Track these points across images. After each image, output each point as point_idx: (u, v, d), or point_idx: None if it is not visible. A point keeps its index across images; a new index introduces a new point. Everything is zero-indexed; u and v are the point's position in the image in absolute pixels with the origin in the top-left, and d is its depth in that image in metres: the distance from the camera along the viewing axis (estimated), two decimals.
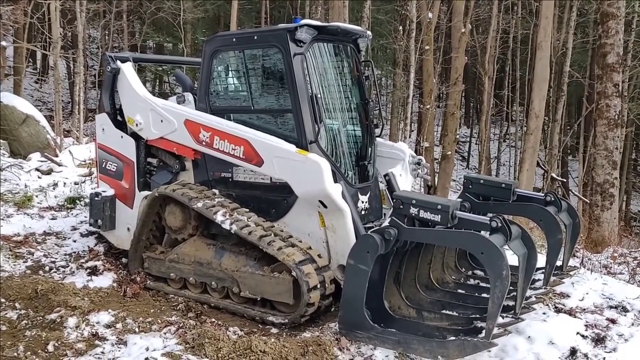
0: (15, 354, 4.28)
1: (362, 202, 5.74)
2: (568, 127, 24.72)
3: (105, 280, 5.79)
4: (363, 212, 5.70)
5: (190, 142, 5.79)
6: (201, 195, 5.65)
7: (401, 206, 4.64)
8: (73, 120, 14.68)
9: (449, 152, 17.33)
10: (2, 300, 5.23)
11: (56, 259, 6.37)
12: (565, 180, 20.11)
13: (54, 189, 8.44)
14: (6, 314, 5.00)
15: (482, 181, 5.89)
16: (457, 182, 23.31)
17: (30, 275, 5.87)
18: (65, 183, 8.61)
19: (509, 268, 4.01)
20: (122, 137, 6.28)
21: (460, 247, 5.49)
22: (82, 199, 8.23)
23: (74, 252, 6.58)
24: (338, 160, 5.62)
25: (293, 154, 5.17)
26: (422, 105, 17.97)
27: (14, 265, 6.07)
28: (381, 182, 6.21)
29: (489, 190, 5.82)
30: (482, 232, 4.39)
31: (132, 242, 6.02)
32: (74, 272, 6.04)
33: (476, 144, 28.18)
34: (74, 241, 6.90)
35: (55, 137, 10.78)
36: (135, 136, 6.22)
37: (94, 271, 5.94)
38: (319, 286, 4.94)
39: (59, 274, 6.02)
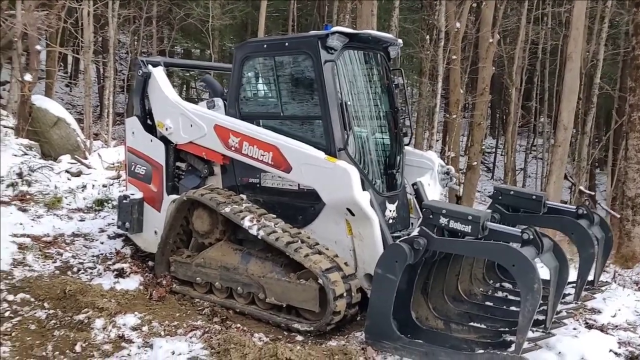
0: (44, 353, 4.32)
1: (390, 210, 5.69)
2: (596, 140, 24.34)
3: (131, 282, 5.82)
4: (391, 221, 5.65)
5: (220, 147, 5.81)
6: (229, 200, 5.66)
7: (431, 216, 4.59)
8: (102, 124, 14.89)
9: (475, 163, 17.19)
10: (32, 299, 5.30)
11: (84, 260, 6.44)
12: (593, 193, 19.77)
13: (82, 190, 8.55)
14: (35, 313, 5.05)
15: (512, 192, 5.80)
16: (481, 193, 23.05)
17: (59, 275, 5.93)
18: (93, 185, 8.72)
19: (540, 281, 3.93)
20: (151, 140, 6.34)
21: (490, 259, 5.41)
22: (110, 201, 8.32)
23: (102, 254, 6.64)
24: (366, 168, 5.60)
25: (322, 160, 5.16)
26: (448, 115, 17.88)
27: (44, 265, 6.15)
28: (409, 192, 6.16)
29: (519, 201, 5.73)
30: (513, 244, 4.31)
31: (159, 245, 6.06)
32: (101, 273, 6.09)
33: (502, 155, 27.87)
34: (102, 243, 6.97)
35: (85, 139, 10.93)
36: (165, 140, 6.27)
37: (120, 273, 5.98)
38: (345, 294, 4.90)
39: (86, 275, 6.07)
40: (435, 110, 15.85)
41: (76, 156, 9.72)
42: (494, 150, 29.96)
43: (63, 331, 4.66)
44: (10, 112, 13.19)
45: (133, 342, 4.62)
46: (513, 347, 4.06)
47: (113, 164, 10.04)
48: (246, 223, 5.33)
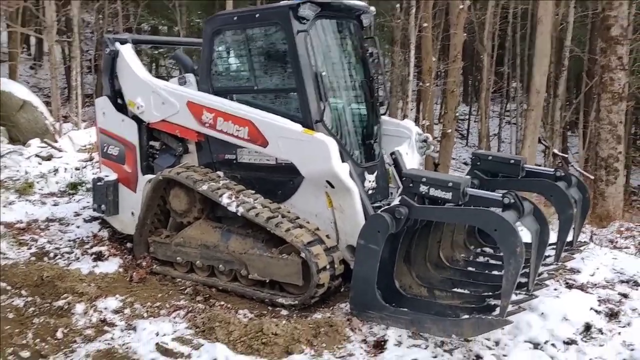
0: (25, 341, 4.23)
1: (369, 181, 5.66)
2: (567, 103, 24.56)
3: (111, 265, 5.73)
4: (370, 192, 5.63)
5: (193, 124, 5.69)
6: (206, 177, 5.57)
7: (411, 184, 4.57)
8: (71, 106, 14.53)
9: (449, 130, 17.21)
10: (8, 287, 5.17)
11: (60, 245, 6.31)
12: (566, 156, 20.04)
13: (54, 174, 8.36)
14: (12, 301, 4.94)
15: (490, 157, 5.81)
16: (457, 160, 23.19)
17: (35, 262, 5.80)
18: (66, 169, 8.52)
19: (522, 245, 3.94)
20: (123, 120, 6.18)
21: (473, 225, 5.44)
22: (83, 184, 8.15)
23: (78, 238, 6.52)
24: (344, 139, 5.54)
25: (299, 133, 5.09)
26: (421, 84, 17.82)
27: (18, 252, 6.02)
28: (387, 162, 6.12)
29: (497, 166, 5.74)
30: (494, 209, 4.32)
31: (136, 226, 5.95)
32: (79, 258, 5.98)
33: (475, 121, 28.03)
34: (78, 227, 6.84)
35: (54, 122, 10.66)
36: (137, 119, 6.12)
37: (99, 257, 5.87)
38: (328, 267, 4.88)
39: (64, 260, 5.96)
40: (409, 79, 15.80)
41: (46, 140, 9.48)
42: (467, 117, 30.10)
43: (43, 318, 4.56)
44: None
45: (116, 326, 4.55)
46: (497, 311, 4.09)
47: (85, 146, 9.82)
48: (224, 200, 5.25)
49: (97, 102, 6.51)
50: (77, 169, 8.57)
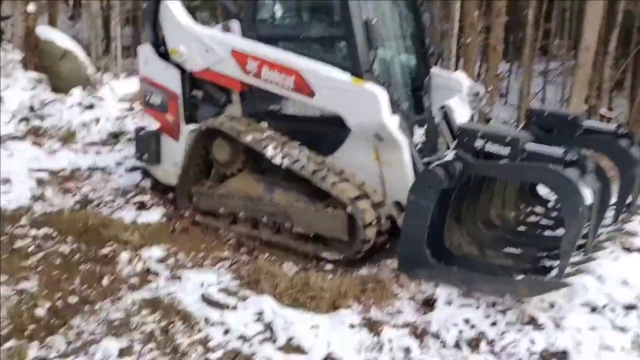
0: (72, 287, 4.24)
1: (418, 135, 5.45)
2: (614, 62, 23.50)
3: (153, 215, 5.69)
4: (419, 146, 5.42)
5: (237, 73, 5.53)
6: (250, 128, 5.43)
7: (466, 138, 4.35)
8: (110, 57, 14.48)
9: (490, 89, 16.68)
10: (54, 234, 5.20)
11: (103, 194, 6.30)
12: (614, 116, 19.30)
13: (96, 124, 8.34)
14: (59, 248, 4.96)
15: (546, 113, 5.52)
16: (495, 119, 22.52)
17: (79, 209, 5.82)
18: (107, 118, 8.49)
19: (585, 205, 3.73)
20: (166, 68, 6.04)
21: (532, 182, 5.21)
22: (124, 134, 8.12)
23: (121, 187, 6.50)
24: (393, 90, 5.31)
25: (347, 83, 4.89)
26: (463, 39, 17.23)
27: (63, 199, 6.03)
28: (437, 115, 5.88)
29: (554, 122, 5.45)
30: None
31: (179, 176, 5.89)
32: (122, 207, 5.96)
33: (515, 79, 27.14)
34: (120, 176, 6.82)
35: (95, 72, 10.61)
36: (180, 67, 5.97)
37: (142, 206, 5.85)
38: (374, 223, 4.75)
39: (107, 208, 5.95)
40: (453, 34, 15.24)
41: (87, 89, 9.45)
42: (507, 74, 29.16)
43: (88, 265, 4.56)
44: (16, 45, 12.84)
45: (160, 275, 4.52)
46: (554, 272, 3.91)
47: (125, 96, 9.75)
48: (269, 152, 5.13)
49: (139, 49, 6.37)
50: (118, 118, 8.53)
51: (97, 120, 8.39)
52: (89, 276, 4.41)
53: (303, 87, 5.11)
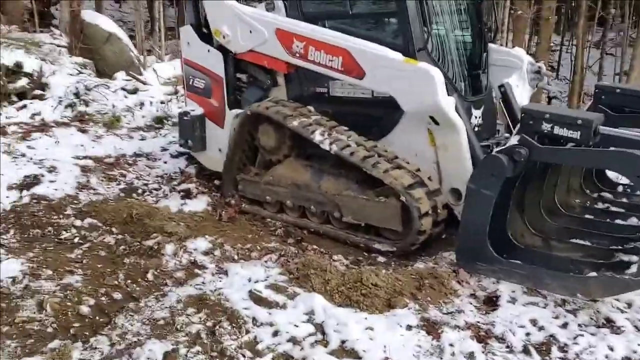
0: (116, 282, 4.11)
1: (476, 117, 5.10)
2: None
3: (199, 203, 5.54)
4: (476, 129, 5.07)
5: (283, 54, 5.26)
6: (296, 112, 5.17)
7: (531, 121, 3.97)
8: (154, 39, 14.45)
9: (543, 61, 15.90)
10: (99, 224, 5.10)
11: (148, 181, 6.19)
12: None
13: (140, 108, 8.25)
14: (104, 238, 4.85)
15: (617, 90, 5.07)
16: (545, 94, 21.56)
17: (124, 198, 5.71)
18: (151, 102, 8.39)
19: None
20: (208, 51, 5.83)
21: (607, 169, 4.79)
22: (169, 118, 8.00)
23: (166, 174, 6.38)
24: (448, 69, 4.96)
25: (400, 63, 4.56)
26: (513, 11, 16.45)
27: (108, 187, 5.94)
28: (495, 95, 5.50)
29: (625, 100, 5.00)
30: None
31: (224, 163, 5.70)
32: (167, 195, 5.83)
33: (567, 52, 25.90)
34: (165, 162, 6.70)
35: (139, 55, 10.55)
36: (223, 50, 5.75)
37: (187, 194, 5.70)
38: (430, 212, 4.45)
39: (152, 197, 5.83)
40: (506, 5, 14.54)
41: (131, 72, 9.37)
42: (558, 47, 27.86)
43: (133, 258, 4.42)
44: (63, 30, 12.92)
45: (206, 269, 4.35)
46: (634, 269, 3.54)
47: (169, 79, 9.65)
48: (317, 137, 4.87)
49: (181, 31, 6.17)
50: (162, 102, 8.42)
51: (142, 104, 8.30)
52: (134, 270, 4.27)
53: (352, 67, 4.81)
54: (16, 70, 8.00)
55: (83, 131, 7.40)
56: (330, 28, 5.09)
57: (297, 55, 5.14)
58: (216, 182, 6.10)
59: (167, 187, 5.96)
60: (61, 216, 5.20)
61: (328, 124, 5.06)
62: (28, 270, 4.16)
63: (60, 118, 7.73)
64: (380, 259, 4.58)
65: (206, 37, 5.94)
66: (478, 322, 3.54)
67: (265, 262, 4.41)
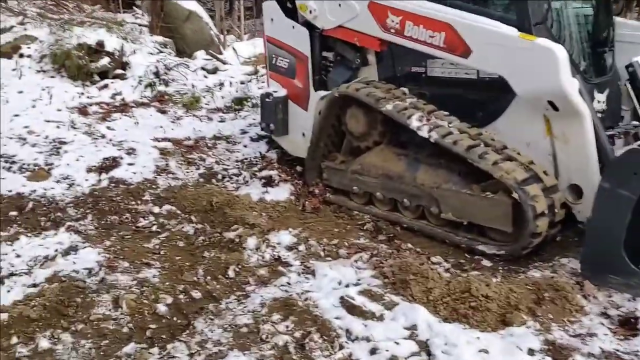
0: (195, 278, 3.79)
1: (599, 101, 4.42)
2: None
3: (281, 192, 5.16)
4: (599, 115, 4.38)
5: (376, 30, 4.75)
6: (390, 95, 4.67)
7: None
8: (232, 18, 14.23)
9: None
10: (178, 211, 4.83)
11: (228, 166, 5.88)
12: None
13: (220, 89, 7.95)
14: (182, 227, 4.58)
15: None
16: None
17: (203, 184, 5.42)
18: (231, 82, 8.07)
19: None
20: (293, 27, 5.40)
21: None
22: (249, 99, 7.66)
23: (246, 159, 6.04)
24: (569, 47, 4.29)
25: (515, 39, 3.95)
26: None
27: (187, 172, 5.66)
28: (622, 76, 4.76)
29: None
30: None
31: (308, 149, 5.29)
32: (247, 181, 5.49)
33: None
34: (245, 146, 6.37)
35: (218, 34, 10.29)
36: (309, 26, 5.30)
37: (269, 182, 5.32)
38: (547, 212, 3.85)
39: (232, 183, 5.51)
40: None
41: (211, 51, 9.11)
42: None
43: (213, 252, 4.10)
44: (145, 10, 12.89)
45: (291, 266, 3.97)
46: None
47: (249, 59, 9.34)
48: (414, 123, 4.35)
49: (264, 6, 5.77)
50: (242, 82, 8.10)
51: (221, 84, 8.01)
52: (214, 265, 3.95)
53: (456, 44, 4.24)
54: (98, 49, 7.88)
55: (162, 112, 7.20)
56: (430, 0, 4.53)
57: (392, 31, 4.62)
58: (298, 168, 5.71)
59: (248, 173, 5.62)
60: (139, 202, 4.98)
61: (426, 107, 4.54)
62: (104, 261, 3.93)
63: (140, 98, 7.56)
64: (485, 262, 4.04)
65: (291, 12, 5.51)
66: (617, 350, 2.95)
67: (356, 261, 3.97)
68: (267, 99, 5.64)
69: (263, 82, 8.25)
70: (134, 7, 13.25)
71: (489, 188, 4.05)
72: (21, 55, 7.70)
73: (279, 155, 6.00)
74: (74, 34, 7.89)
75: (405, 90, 4.82)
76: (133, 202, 4.96)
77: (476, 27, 4.12)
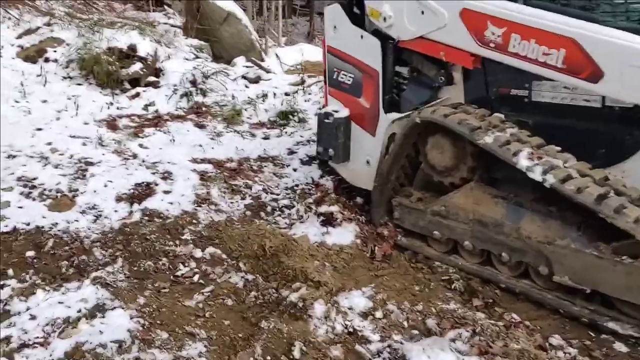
0: (251, 358, 2.99)
1: None
2: None
3: (345, 233, 4.32)
4: None
5: (469, 44, 3.90)
6: (486, 123, 3.81)
7: None
8: (270, 18, 13.44)
9: None
10: (224, 256, 4.05)
11: (278, 195, 5.07)
12: None
13: (263, 100, 7.17)
14: (230, 277, 3.81)
15: None
16: None
17: (251, 219, 4.62)
18: (275, 94, 7.29)
19: None
20: (362, 37, 4.56)
21: None
22: (295, 113, 6.84)
23: (297, 186, 5.22)
24: None
25: None
26: None
27: (231, 203, 4.87)
28: None
29: None
30: None
31: (376, 181, 4.45)
32: (302, 216, 4.68)
33: None
34: (294, 170, 5.54)
35: (259, 38, 9.51)
36: (381, 36, 4.47)
37: (329, 220, 4.49)
38: None
39: (284, 217, 4.71)
40: None
41: (253, 58, 8.32)
42: None
43: (272, 321, 3.28)
44: (177, 9, 12.20)
45: (370, 343, 3.15)
46: None
47: (293, 67, 8.52)
48: (523, 162, 3.48)
49: (326, 11, 4.92)
50: (286, 94, 7.30)
51: (265, 96, 7.23)
52: (274, 340, 3.14)
53: (581, 65, 3.37)
54: (130, 54, 7.16)
55: (200, 126, 6.44)
56: (540, 8, 3.65)
57: (492, 45, 3.76)
58: (359, 199, 4.90)
59: (302, 207, 4.80)
60: (177, 242, 4.20)
61: (532, 141, 3.67)
62: (138, 330, 3.15)
63: (175, 109, 6.82)
64: (618, 345, 3.16)
65: (358, 19, 4.69)
66: None
67: (454, 341, 3.13)
68: (326, 120, 4.80)
69: (310, 93, 7.48)
70: (165, 7, 12.57)
71: (625, 250, 3.17)
72: (47, 60, 7.03)
73: (334, 183, 5.17)
74: (104, 36, 7.19)
75: (501, 116, 3.96)
76: (171, 242, 4.18)
77: (612, 43, 3.25)
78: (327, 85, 5.04)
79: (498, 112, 4.00)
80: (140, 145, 5.67)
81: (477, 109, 4.01)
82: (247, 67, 8.07)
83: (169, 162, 5.35)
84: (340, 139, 4.77)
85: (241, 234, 4.26)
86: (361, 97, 4.68)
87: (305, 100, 7.21)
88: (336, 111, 4.81)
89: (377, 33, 4.50)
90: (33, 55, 7.06)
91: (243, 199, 4.95)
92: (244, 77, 7.61)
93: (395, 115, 4.41)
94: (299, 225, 4.52)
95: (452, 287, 3.75)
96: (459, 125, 3.78)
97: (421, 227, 4.18)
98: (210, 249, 4.11)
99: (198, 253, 4.06)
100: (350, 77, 4.74)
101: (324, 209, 4.60)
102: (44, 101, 6.32)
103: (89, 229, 4.27)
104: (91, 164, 5.16)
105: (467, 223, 3.87)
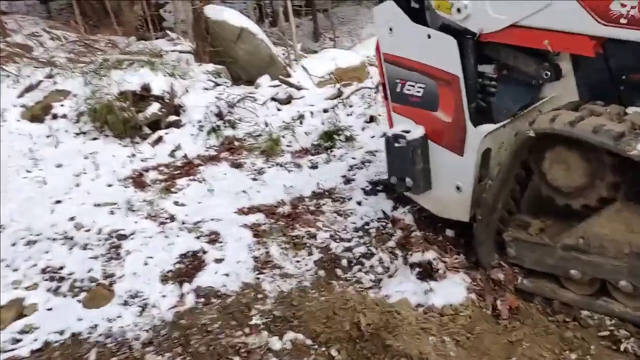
0: None
1: None
2: None
3: (454, 289, 3.40)
4: None
5: (588, 24, 2.95)
6: (629, 125, 2.87)
7: None
8: (280, 24, 12.54)
9: None
10: (307, 341, 3.17)
11: (349, 241, 4.16)
12: None
13: (300, 123, 6.27)
14: None
15: None
16: None
17: (327, 281, 3.74)
18: (312, 113, 6.36)
19: None
20: (429, 36, 3.64)
21: None
22: (340, 131, 5.94)
23: (368, 225, 4.32)
24: None
25: None
26: None
27: (297, 261, 4.00)
28: None
29: None
30: None
31: (479, 213, 3.54)
32: (388, 268, 3.79)
33: None
34: (359, 203, 4.63)
35: (281, 52, 8.62)
36: (454, 32, 3.55)
37: (427, 272, 3.59)
38: None
39: (366, 273, 3.81)
40: None
41: (280, 77, 7.43)
42: None
43: None
44: (179, 32, 11.38)
45: None
46: None
47: (323, 78, 7.61)
48: None
49: (377, 11, 3.98)
50: (325, 111, 6.38)
51: (301, 117, 6.33)
52: None
53: None
54: (144, 95, 6.34)
55: (237, 165, 5.58)
56: None
57: (624, 20, 2.82)
58: (449, 233, 3.99)
59: (384, 254, 3.90)
60: (247, 330, 3.34)
61: None
62: None
63: (204, 150, 5.96)
64: None
65: (417, 15, 3.77)
66: None
67: None
68: (396, 144, 3.88)
69: (351, 105, 6.58)
70: (167, 31, 11.75)
71: None
72: (54, 117, 6.24)
73: (414, 215, 4.26)
74: (113, 79, 6.37)
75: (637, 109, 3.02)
76: (239, 331, 3.32)
77: None
78: (388, 102, 4.13)
79: (632, 106, 3.05)
80: (176, 203, 4.84)
81: (606, 106, 3.07)
82: (273, 86, 7.19)
83: (212, 219, 4.51)
84: (418, 164, 3.85)
85: (323, 307, 3.38)
86: (438, 110, 3.75)
87: (348, 115, 6.30)
88: (407, 131, 3.88)
89: (446, 29, 3.59)
90: (39, 113, 6.28)
91: (310, 254, 4.07)
92: (273, 99, 6.72)
93: (488, 127, 3.50)
94: (389, 283, 3.63)
95: (621, 348, 2.82)
96: (595, 134, 2.85)
97: (551, 266, 3.26)
98: (290, 334, 3.24)
99: (276, 343, 3.19)
100: (419, 87, 3.81)
101: (417, 257, 3.68)
102: (59, 165, 5.52)
103: (136, 326, 3.46)
104: (124, 237, 4.35)
105: (620, 257, 2.95)
